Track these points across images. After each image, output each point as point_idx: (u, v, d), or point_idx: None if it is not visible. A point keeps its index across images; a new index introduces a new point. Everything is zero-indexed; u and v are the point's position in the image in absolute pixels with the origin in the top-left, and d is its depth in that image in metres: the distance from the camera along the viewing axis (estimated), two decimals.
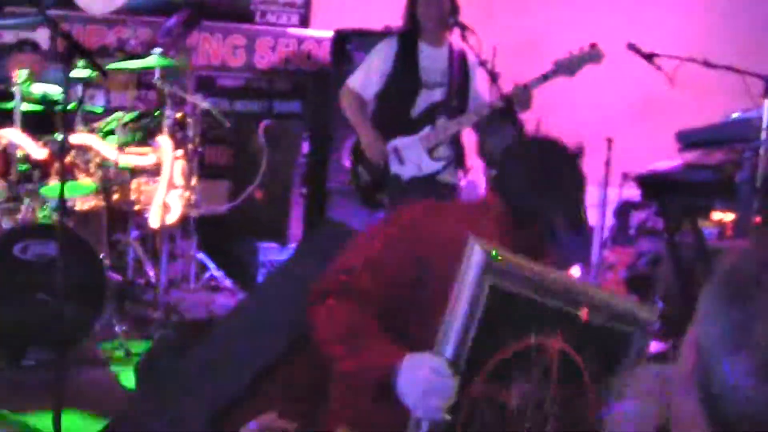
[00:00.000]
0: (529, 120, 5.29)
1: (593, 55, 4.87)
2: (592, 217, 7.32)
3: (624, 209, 7.12)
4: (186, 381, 3.75)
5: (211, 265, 6.29)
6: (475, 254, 2.11)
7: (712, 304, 1.09)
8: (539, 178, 2.46)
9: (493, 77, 4.92)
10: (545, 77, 4.89)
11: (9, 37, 6.03)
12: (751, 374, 1.03)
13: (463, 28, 4.92)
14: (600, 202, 7.16)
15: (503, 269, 2.16)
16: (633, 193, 6.62)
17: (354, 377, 2.37)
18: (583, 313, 2.28)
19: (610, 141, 7.22)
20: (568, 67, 4.87)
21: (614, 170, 7.11)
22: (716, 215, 5.88)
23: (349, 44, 6.66)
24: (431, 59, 5.07)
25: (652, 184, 5.99)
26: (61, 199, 4.20)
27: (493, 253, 2.12)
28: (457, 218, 2.48)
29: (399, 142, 4.98)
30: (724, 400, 1.06)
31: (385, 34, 6.09)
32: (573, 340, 2.31)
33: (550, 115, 6.59)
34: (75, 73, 5.11)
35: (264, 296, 4.08)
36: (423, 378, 2.11)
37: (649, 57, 5.63)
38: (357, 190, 5.16)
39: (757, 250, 1.10)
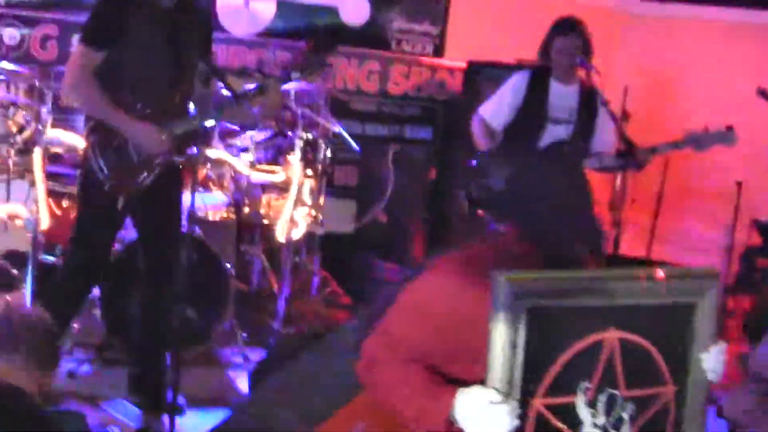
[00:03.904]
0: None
1: (727, 137, 4.97)
2: (718, 263, 7.24)
3: (750, 255, 7.01)
4: (289, 389, 3.94)
5: (332, 281, 6.50)
6: (502, 287, 2.22)
7: None
8: (546, 201, 2.51)
9: (615, 118, 5.02)
10: (675, 145, 5.04)
11: None
12: None
13: (589, 68, 5.03)
14: (726, 247, 7.07)
15: (535, 290, 2.27)
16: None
17: (417, 425, 2.44)
18: (630, 298, 2.36)
19: (739, 185, 7.14)
20: (698, 141, 4.98)
21: (743, 216, 7.03)
22: None
23: (480, 76, 6.81)
24: (560, 96, 5.18)
25: None
26: (191, 208, 4.48)
27: (521, 278, 2.24)
28: (483, 263, 2.47)
29: None
30: None
31: (516, 67, 6.23)
32: (631, 327, 2.38)
33: (680, 158, 6.60)
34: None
35: (367, 316, 4.23)
36: (477, 411, 2.22)
37: None
38: (466, 202, 5.35)
39: None
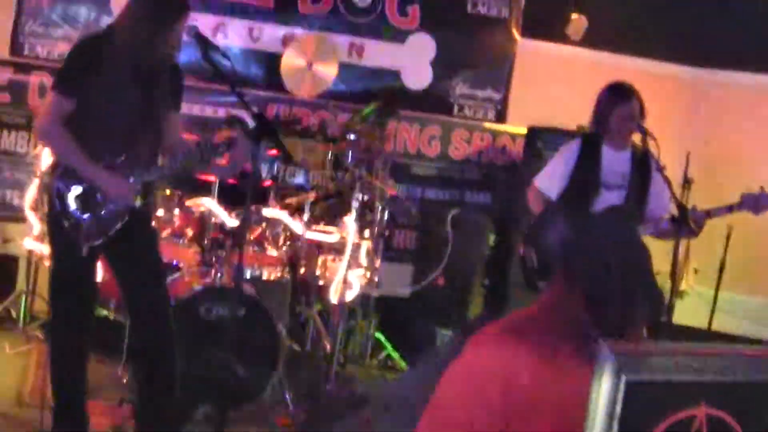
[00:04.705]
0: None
1: None
2: None
3: None
4: None
5: (387, 345, 6.45)
6: (606, 358, 2.18)
7: None
8: (604, 261, 2.44)
9: (670, 184, 4.94)
10: (730, 209, 4.96)
11: (221, 112, 6.52)
12: None
13: (645, 133, 4.97)
14: None
15: (636, 363, 2.22)
16: None
17: None
18: (722, 374, 2.30)
19: None
20: (755, 204, 4.92)
21: None
22: None
23: (541, 141, 6.79)
24: (613, 162, 5.13)
25: None
26: (239, 266, 4.50)
27: (626, 350, 2.19)
28: (530, 329, 2.46)
29: None
30: None
31: (577, 133, 6.20)
32: (720, 404, 2.33)
33: (743, 227, 6.47)
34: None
35: (413, 380, 4.20)
36: None
37: None
38: (522, 270, 5.28)
39: None
